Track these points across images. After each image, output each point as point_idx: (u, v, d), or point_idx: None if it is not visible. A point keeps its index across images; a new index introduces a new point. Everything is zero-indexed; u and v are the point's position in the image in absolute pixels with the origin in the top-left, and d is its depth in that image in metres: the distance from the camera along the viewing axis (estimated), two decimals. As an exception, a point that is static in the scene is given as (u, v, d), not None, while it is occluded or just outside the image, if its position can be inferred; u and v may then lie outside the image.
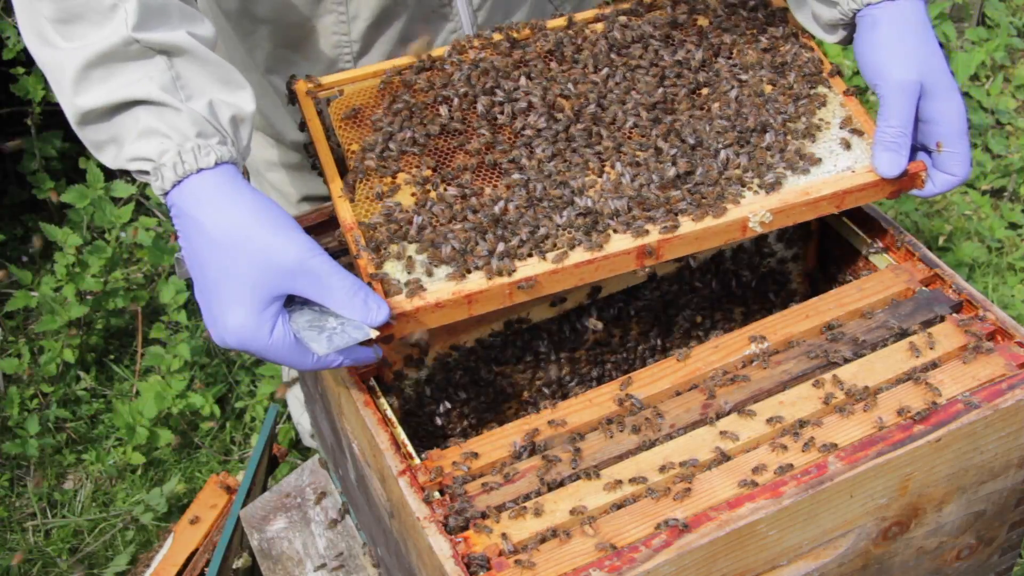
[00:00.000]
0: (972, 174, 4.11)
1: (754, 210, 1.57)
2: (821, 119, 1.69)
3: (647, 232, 1.54)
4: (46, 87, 3.46)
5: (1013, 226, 3.97)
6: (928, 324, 1.58)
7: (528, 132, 1.62)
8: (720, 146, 1.63)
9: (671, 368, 1.56)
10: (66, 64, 1.37)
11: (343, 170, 1.61)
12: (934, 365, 1.52)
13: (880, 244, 1.73)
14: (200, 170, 1.37)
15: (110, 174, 3.65)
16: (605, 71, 1.68)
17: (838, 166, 1.64)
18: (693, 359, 1.57)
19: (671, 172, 1.59)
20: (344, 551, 2.06)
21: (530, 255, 1.51)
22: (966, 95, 4.45)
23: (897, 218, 3.86)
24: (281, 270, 1.35)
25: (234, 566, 2.44)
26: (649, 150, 1.62)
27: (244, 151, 1.44)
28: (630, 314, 1.77)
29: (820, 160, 1.64)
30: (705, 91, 1.70)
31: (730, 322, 1.87)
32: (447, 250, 1.50)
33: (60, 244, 3.29)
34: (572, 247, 1.52)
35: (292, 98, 1.68)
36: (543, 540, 1.35)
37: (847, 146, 1.66)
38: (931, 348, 1.54)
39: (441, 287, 1.49)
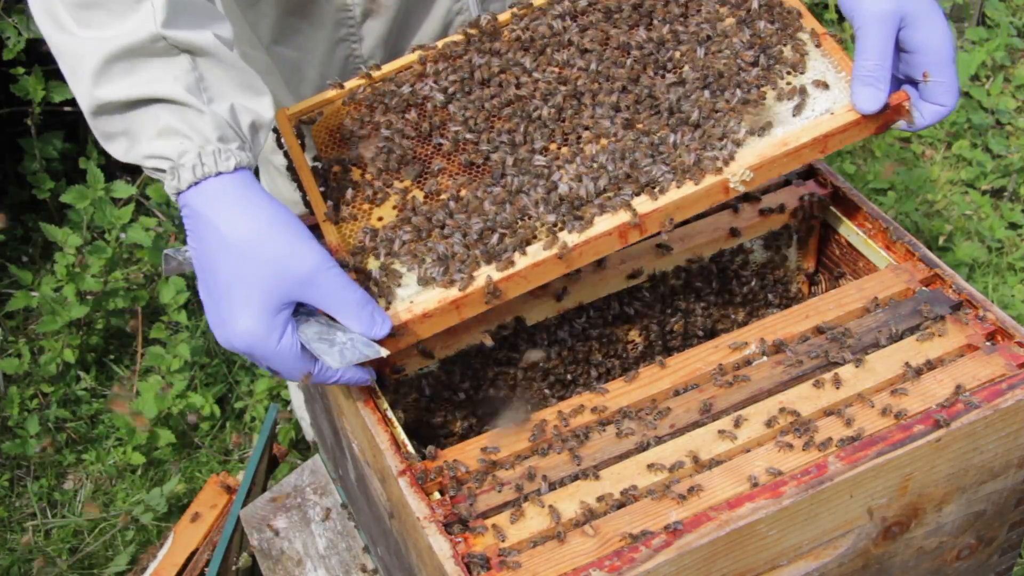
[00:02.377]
0: (972, 174, 4.11)
1: (733, 170, 1.52)
2: (795, 63, 1.62)
3: (629, 207, 1.50)
4: (46, 87, 3.46)
5: (1013, 226, 3.97)
6: (928, 324, 1.58)
7: (503, 130, 1.62)
8: (692, 108, 1.57)
9: (671, 368, 1.56)
10: (86, 54, 1.35)
11: (328, 191, 1.62)
12: (934, 365, 1.52)
13: (881, 244, 1.73)
14: (219, 174, 1.36)
15: (110, 174, 3.65)
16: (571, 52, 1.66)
17: (816, 110, 1.57)
18: (693, 359, 1.57)
19: (645, 142, 1.55)
20: (344, 551, 2.06)
21: (515, 251, 1.50)
22: (966, 95, 4.45)
23: (897, 218, 3.86)
24: (295, 278, 1.35)
25: (234, 566, 2.44)
26: (618, 121, 1.58)
27: (258, 157, 1.45)
28: (629, 315, 1.77)
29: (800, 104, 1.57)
30: (678, 54, 1.64)
31: (729, 321, 1.87)
32: (430, 260, 1.51)
33: (60, 244, 3.29)
34: (554, 235, 1.50)
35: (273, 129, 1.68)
36: (543, 540, 1.36)
37: (824, 87, 1.59)
38: (931, 348, 1.54)
39: (428, 296, 1.49)
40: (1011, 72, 4.64)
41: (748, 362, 1.57)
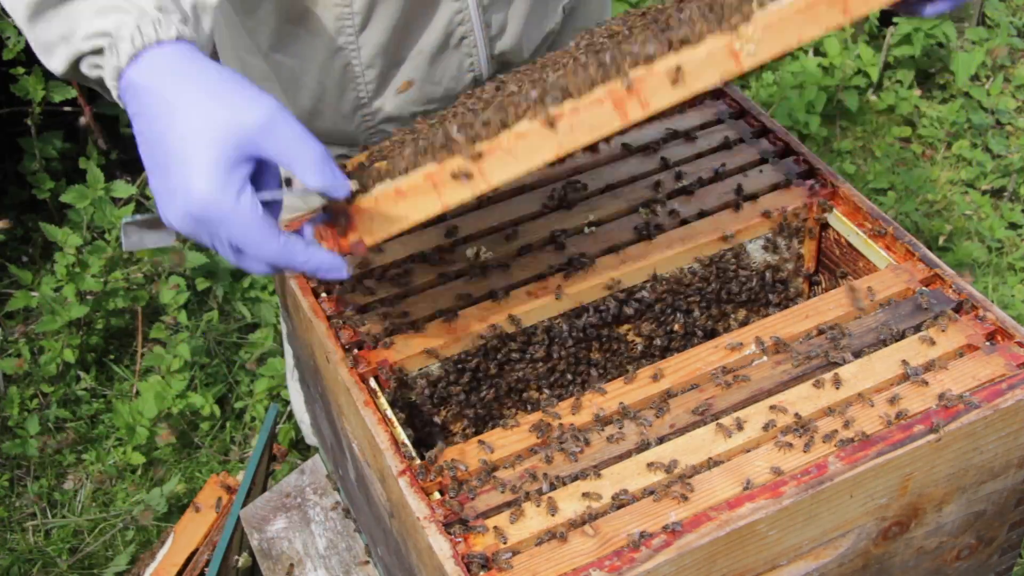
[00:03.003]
0: (972, 174, 4.11)
1: (741, 32, 1.31)
2: None
3: (621, 72, 1.31)
4: (46, 87, 3.47)
5: (1013, 226, 3.97)
6: (928, 324, 1.58)
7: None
8: None
9: (671, 368, 1.56)
10: None
11: None
12: (934, 365, 1.52)
13: (881, 244, 1.73)
14: (160, 42, 1.29)
15: (110, 174, 3.65)
16: None
17: None
18: (693, 359, 1.57)
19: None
20: (344, 551, 2.06)
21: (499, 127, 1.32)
22: (966, 95, 4.45)
23: (897, 218, 3.86)
24: (248, 128, 1.24)
25: (234, 566, 2.44)
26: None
27: (206, 42, 1.37)
28: (628, 315, 1.77)
29: None
30: None
31: (729, 321, 1.87)
32: (409, 149, 1.35)
33: (60, 244, 3.29)
34: (542, 106, 1.31)
35: None
36: (543, 540, 1.36)
37: None
38: (931, 348, 1.54)
39: (404, 177, 1.35)
40: (1011, 72, 4.64)
41: (748, 362, 1.57)
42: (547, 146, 1.32)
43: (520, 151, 1.32)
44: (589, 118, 1.32)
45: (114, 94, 1.34)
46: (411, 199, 1.34)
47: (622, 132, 1.90)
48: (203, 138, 1.24)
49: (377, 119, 2.02)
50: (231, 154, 1.24)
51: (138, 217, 1.39)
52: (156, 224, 1.38)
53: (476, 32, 1.96)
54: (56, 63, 1.36)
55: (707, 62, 1.32)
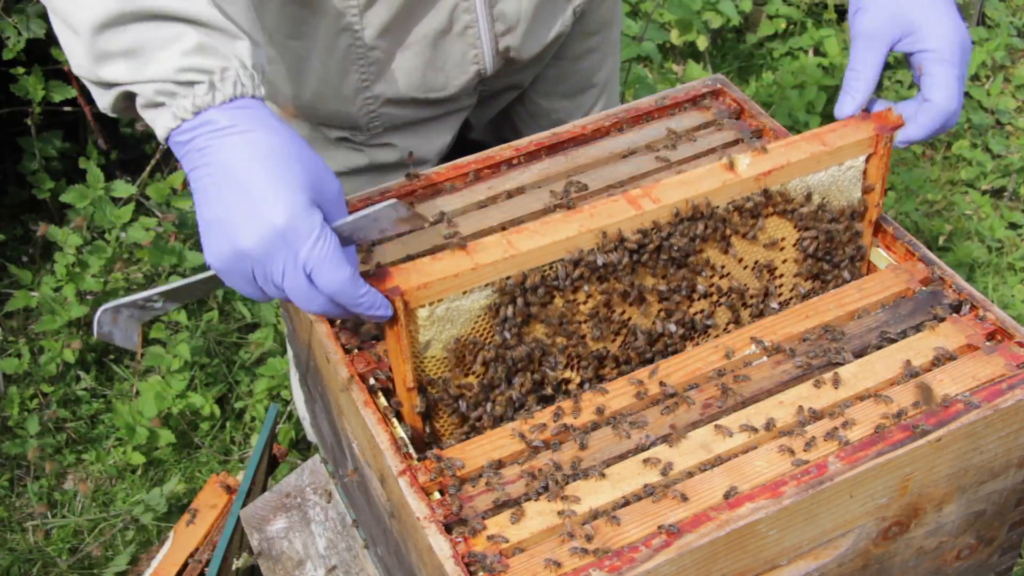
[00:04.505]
0: (972, 174, 4.11)
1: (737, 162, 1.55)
2: None
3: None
4: (46, 87, 3.47)
5: (1013, 226, 3.97)
6: (928, 324, 1.58)
7: None
8: None
9: (670, 368, 1.56)
10: None
11: None
12: (934, 365, 1.52)
13: (881, 244, 1.73)
14: (253, 96, 1.37)
15: (110, 174, 3.65)
16: None
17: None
18: (693, 359, 1.57)
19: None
20: (344, 551, 2.06)
21: None
22: (966, 95, 4.45)
23: (897, 218, 3.86)
24: (331, 193, 1.37)
25: (234, 566, 2.44)
26: None
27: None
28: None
29: None
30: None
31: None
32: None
33: (60, 244, 3.29)
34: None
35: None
36: (543, 540, 1.36)
37: None
38: (931, 348, 1.54)
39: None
40: (1011, 72, 4.64)
41: (748, 362, 1.57)
42: (570, 227, 1.49)
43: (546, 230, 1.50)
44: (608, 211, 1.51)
45: (169, 121, 1.36)
46: (447, 259, 1.46)
47: (621, 131, 1.91)
48: (291, 180, 1.33)
49: (379, 103, 2.02)
50: (312, 197, 1.34)
51: (121, 302, 1.42)
52: (130, 314, 1.43)
53: (481, 23, 1.95)
54: (110, 73, 1.37)
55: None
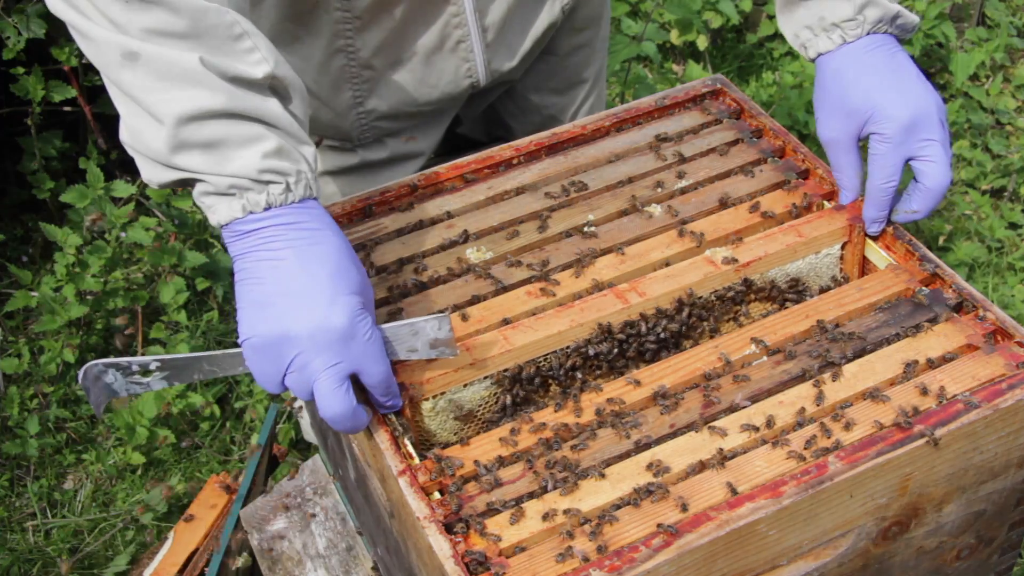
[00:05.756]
0: (972, 174, 4.11)
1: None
2: None
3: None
4: (46, 87, 3.47)
5: (1013, 226, 3.97)
6: (928, 324, 1.58)
7: None
8: None
9: (669, 368, 1.56)
10: (189, 59, 1.36)
11: None
12: (934, 365, 1.52)
13: (880, 244, 1.73)
14: (315, 198, 1.44)
15: (110, 174, 3.65)
16: None
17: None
18: (693, 359, 1.57)
19: None
20: (344, 551, 2.06)
21: None
22: (966, 95, 4.45)
23: (897, 218, 3.86)
24: (371, 292, 1.46)
25: (234, 566, 2.44)
26: None
27: None
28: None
29: None
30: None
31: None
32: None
33: (60, 244, 3.29)
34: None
35: None
36: (543, 540, 1.36)
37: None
38: (931, 348, 1.54)
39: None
40: (1011, 72, 4.64)
41: (748, 362, 1.57)
42: (561, 322, 1.59)
43: (539, 326, 1.59)
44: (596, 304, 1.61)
45: (236, 211, 1.41)
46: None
47: (620, 130, 1.91)
48: (350, 283, 1.40)
49: (372, 117, 2.03)
50: (362, 300, 1.41)
51: (111, 362, 1.43)
52: (112, 379, 1.44)
53: (473, 36, 1.96)
54: (185, 162, 1.40)
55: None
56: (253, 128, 1.39)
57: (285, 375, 1.39)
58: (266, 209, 1.40)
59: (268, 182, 1.39)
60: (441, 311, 1.60)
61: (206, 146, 1.38)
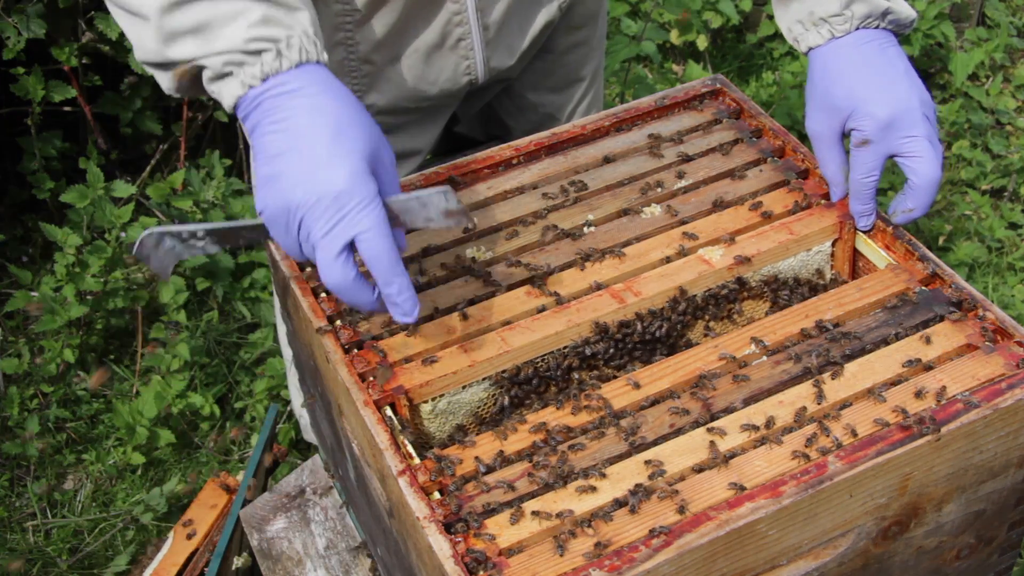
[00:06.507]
0: (972, 174, 4.11)
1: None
2: None
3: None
4: (46, 87, 3.47)
5: (1013, 226, 3.97)
6: (928, 324, 1.59)
7: None
8: None
9: (669, 369, 1.56)
10: None
11: None
12: (934, 365, 1.52)
13: (880, 244, 1.73)
14: (318, 62, 1.41)
15: (110, 174, 3.65)
16: None
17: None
18: (693, 359, 1.57)
19: None
20: (344, 551, 2.06)
21: None
22: (966, 95, 4.45)
23: (897, 218, 3.86)
24: (389, 159, 1.42)
25: (234, 566, 2.44)
26: None
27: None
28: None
29: None
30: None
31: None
32: None
33: (60, 244, 3.29)
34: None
35: None
36: (543, 540, 1.36)
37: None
38: (931, 348, 1.54)
39: None
40: (1011, 72, 4.64)
41: (748, 362, 1.57)
42: (558, 322, 1.60)
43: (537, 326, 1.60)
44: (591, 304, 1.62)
45: (236, 89, 1.39)
46: (446, 359, 1.56)
47: (619, 130, 1.91)
48: (353, 146, 1.37)
49: (370, 112, 2.03)
50: (370, 165, 1.38)
51: (167, 229, 1.44)
52: (172, 245, 1.45)
53: (474, 34, 1.96)
54: (179, 52, 1.40)
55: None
56: (236, 4, 1.38)
57: (300, 245, 1.40)
58: (264, 81, 1.39)
59: (259, 51, 1.38)
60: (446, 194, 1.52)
61: (194, 31, 1.38)
